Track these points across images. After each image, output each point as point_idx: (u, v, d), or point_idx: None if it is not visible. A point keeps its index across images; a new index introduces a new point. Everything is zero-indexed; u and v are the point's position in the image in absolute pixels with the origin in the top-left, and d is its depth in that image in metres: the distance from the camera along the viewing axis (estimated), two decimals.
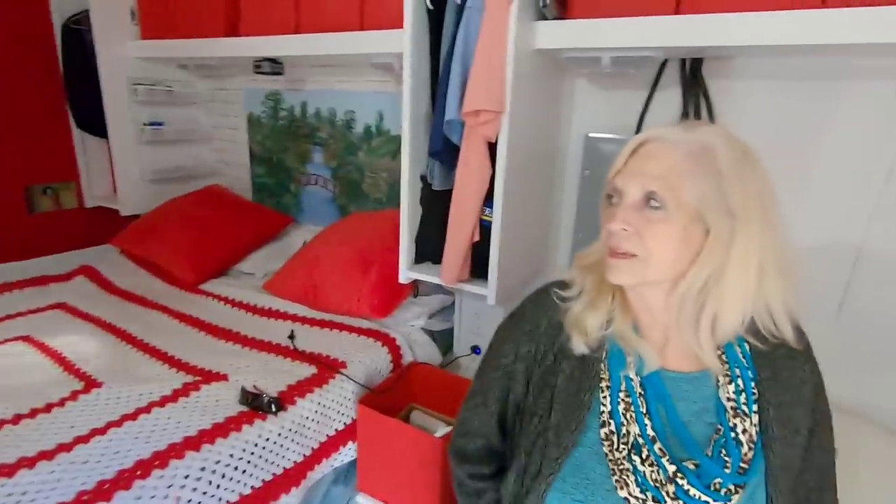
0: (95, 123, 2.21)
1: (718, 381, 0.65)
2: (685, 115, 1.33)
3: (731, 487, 0.61)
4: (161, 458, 1.05)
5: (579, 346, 0.67)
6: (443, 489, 1.25)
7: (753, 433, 0.64)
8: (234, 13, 1.85)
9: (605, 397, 0.67)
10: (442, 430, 1.32)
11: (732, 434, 0.63)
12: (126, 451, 1.06)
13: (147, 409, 1.19)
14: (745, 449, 0.63)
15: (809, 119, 1.20)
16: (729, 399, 0.65)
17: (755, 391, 0.66)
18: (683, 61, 1.31)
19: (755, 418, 0.65)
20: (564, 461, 0.65)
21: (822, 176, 1.20)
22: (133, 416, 1.17)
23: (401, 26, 1.31)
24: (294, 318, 1.69)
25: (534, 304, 0.76)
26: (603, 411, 0.66)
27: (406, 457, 1.29)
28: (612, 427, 0.65)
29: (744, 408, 0.65)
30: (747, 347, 0.67)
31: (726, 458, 0.62)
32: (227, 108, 2.46)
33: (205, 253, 2.02)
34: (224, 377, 1.34)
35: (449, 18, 1.29)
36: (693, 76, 1.29)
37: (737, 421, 0.64)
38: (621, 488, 0.63)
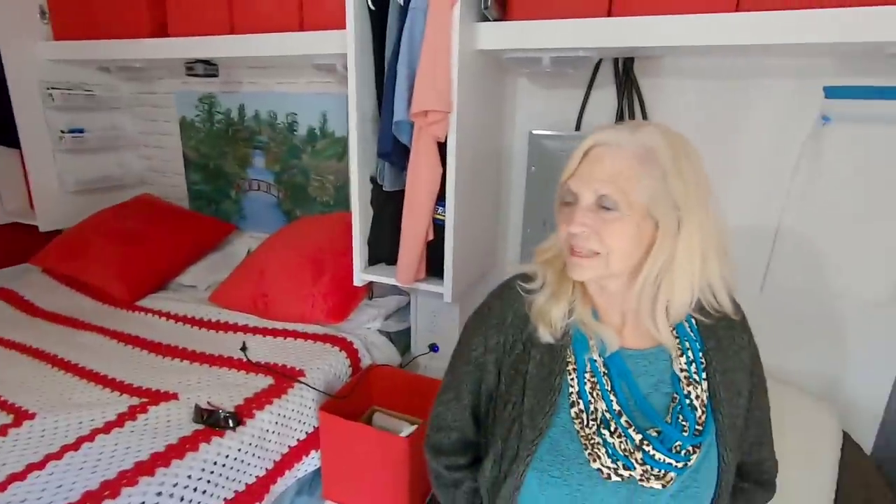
0: (4, 132, 2.01)
1: (672, 354, 0.71)
2: (620, 111, 1.41)
3: (690, 448, 0.68)
4: (112, 488, 0.99)
5: (545, 337, 0.71)
6: (410, 488, 1.25)
7: (704, 398, 0.71)
8: (160, 12, 1.75)
9: (572, 379, 0.71)
10: (407, 429, 1.33)
11: (687, 401, 0.70)
12: (70, 485, 0.99)
13: (90, 438, 1.12)
14: (698, 413, 0.70)
15: (730, 115, 1.31)
16: (682, 370, 0.71)
17: (703, 361, 0.72)
18: (616, 61, 1.39)
19: (705, 385, 0.71)
20: (540, 442, 0.69)
21: (743, 168, 1.32)
22: (74, 447, 1.09)
23: (342, 27, 1.30)
24: (245, 329, 1.64)
25: (499, 298, 0.78)
26: (571, 392, 0.70)
27: (371, 459, 1.28)
28: (581, 406, 0.69)
29: (695, 376, 0.71)
30: (693, 322, 0.74)
31: (684, 423, 0.69)
32: (156, 113, 2.31)
33: (139, 267, 1.89)
34: (174, 396, 1.28)
35: (392, 19, 1.29)
36: (626, 75, 1.38)
37: (690, 389, 0.70)
38: (594, 460, 0.67)
